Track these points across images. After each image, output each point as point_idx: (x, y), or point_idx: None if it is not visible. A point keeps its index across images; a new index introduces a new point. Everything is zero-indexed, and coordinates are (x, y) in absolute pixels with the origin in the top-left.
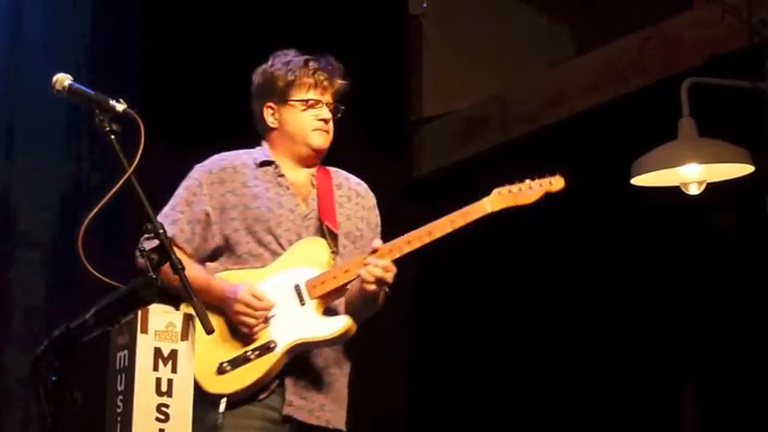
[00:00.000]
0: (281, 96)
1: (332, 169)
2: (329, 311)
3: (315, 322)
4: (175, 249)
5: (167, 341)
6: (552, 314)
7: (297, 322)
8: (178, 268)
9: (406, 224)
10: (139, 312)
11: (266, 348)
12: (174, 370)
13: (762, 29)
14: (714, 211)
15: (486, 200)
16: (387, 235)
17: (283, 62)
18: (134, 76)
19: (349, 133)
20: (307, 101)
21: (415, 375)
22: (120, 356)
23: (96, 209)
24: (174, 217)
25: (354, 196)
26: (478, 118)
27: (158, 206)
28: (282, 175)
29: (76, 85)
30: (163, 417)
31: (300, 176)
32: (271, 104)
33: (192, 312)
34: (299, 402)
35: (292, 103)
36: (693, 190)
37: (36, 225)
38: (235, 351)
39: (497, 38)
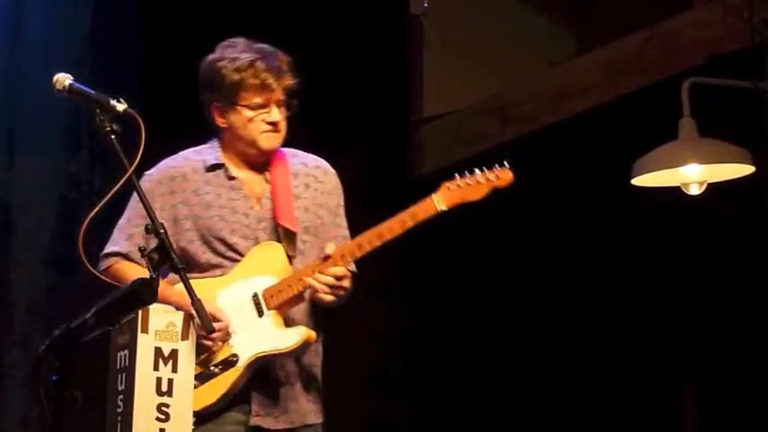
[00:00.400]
0: (227, 98)
1: (289, 153)
2: (289, 320)
3: (273, 335)
4: (135, 265)
5: (168, 341)
6: (553, 314)
7: (256, 335)
8: (178, 267)
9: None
10: (140, 312)
11: (229, 363)
12: (174, 370)
13: (763, 29)
14: (715, 211)
15: (434, 197)
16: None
17: (230, 59)
18: (134, 76)
19: (349, 133)
20: (254, 106)
21: (413, 381)
22: (121, 356)
23: (97, 208)
24: (128, 231)
25: (312, 182)
26: (479, 118)
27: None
28: (234, 178)
29: (77, 85)
30: (163, 416)
31: (253, 174)
32: (218, 105)
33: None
34: (263, 411)
35: (239, 107)
36: (694, 190)
37: (36, 225)
38: (199, 366)
39: (498, 38)
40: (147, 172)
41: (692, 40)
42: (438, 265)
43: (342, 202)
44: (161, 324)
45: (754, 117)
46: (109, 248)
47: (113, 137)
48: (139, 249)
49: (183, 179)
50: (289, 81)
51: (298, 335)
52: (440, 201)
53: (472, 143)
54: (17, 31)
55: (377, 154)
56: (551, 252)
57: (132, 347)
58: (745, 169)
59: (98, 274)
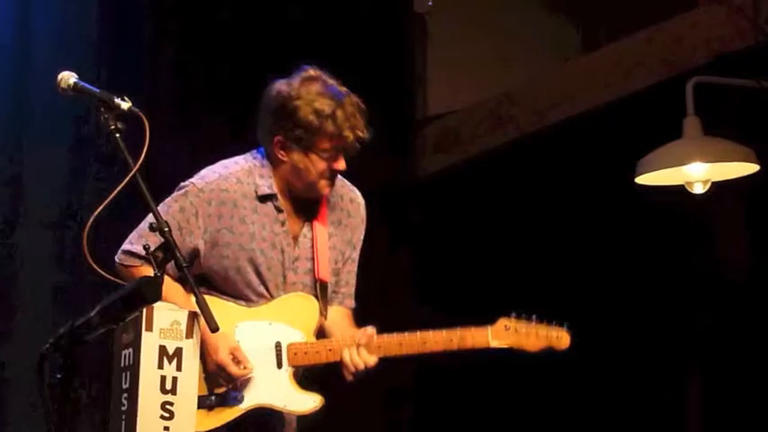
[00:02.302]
0: (299, 140)
1: None
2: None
3: (288, 392)
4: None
5: (172, 339)
6: (558, 311)
7: (269, 385)
8: (182, 265)
9: (410, 224)
10: (144, 310)
11: (232, 399)
12: (178, 368)
13: (767, 28)
14: (719, 210)
15: (490, 330)
16: (387, 234)
17: (308, 99)
18: (140, 74)
19: None
20: (325, 155)
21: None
22: (125, 354)
23: (101, 206)
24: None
25: (345, 218)
26: (484, 116)
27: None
28: (281, 211)
29: (81, 83)
30: (167, 415)
31: (297, 209)
32: (282, 139)
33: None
34: None
35: (310, 153)
36: (698, 189)
37: (40, 223)
38: (199, 390)
39: (502, 37)
40: (196, 182)
41: (696, 39)
42: (441, 263)
43: (362, 237)
44: (165, 322)
45: (758, 116)
46: (134, 246)
47: (118, 135)
48: (143, 248)
49: (233, 206)
50: (362, 134)
51: (313, 403)
52: (494, 336)
53: (476, 142)
54: (24, 29)
55: (380, 153)
56: (556, 250)
57: (136, 346)
58: (750, 168)
59: (102, 272)
